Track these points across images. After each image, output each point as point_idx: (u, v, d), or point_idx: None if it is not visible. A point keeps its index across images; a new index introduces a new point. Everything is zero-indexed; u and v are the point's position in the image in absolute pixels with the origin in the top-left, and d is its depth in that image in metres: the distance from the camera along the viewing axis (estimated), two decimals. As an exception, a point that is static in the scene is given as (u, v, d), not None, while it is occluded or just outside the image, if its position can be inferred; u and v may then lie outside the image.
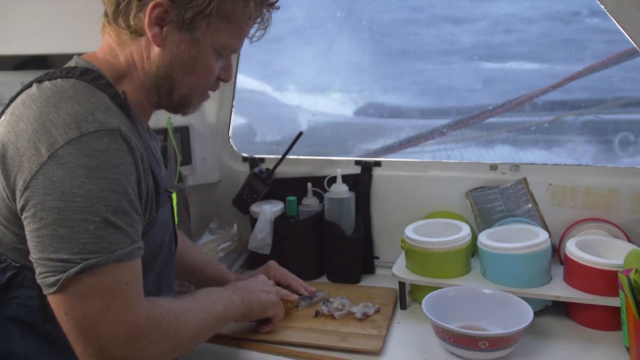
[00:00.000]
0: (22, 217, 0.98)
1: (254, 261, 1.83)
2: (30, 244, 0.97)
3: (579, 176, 1.63)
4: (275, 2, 1.22)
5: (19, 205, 0.98)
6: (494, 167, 1.72)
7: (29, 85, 1.08)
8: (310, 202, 1.85)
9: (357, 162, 1.89)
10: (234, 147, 2.06)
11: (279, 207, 1.87)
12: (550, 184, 1.65)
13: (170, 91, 1.19)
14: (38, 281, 0.97)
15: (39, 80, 1.07)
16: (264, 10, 1.20)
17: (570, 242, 1.48)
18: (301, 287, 1.63)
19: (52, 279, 0.95)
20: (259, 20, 1.21)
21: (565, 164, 1.68)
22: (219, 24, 1.14)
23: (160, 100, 1.22)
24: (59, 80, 1.06)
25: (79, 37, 1.69)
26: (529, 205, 1.66)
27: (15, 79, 1.71)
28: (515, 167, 1.70)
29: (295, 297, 1.56)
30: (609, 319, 1.39)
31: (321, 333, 1.44)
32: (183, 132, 1.90)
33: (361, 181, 1.86)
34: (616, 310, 1.35)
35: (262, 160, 2.02)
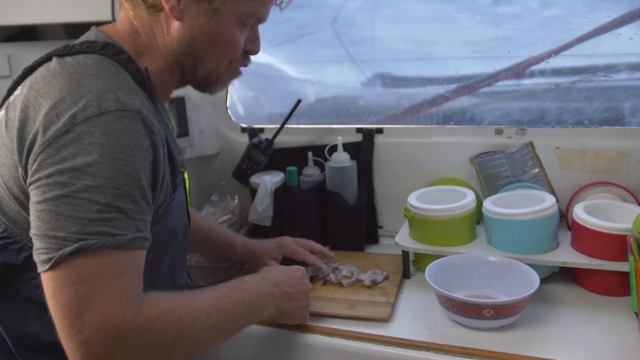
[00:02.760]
0: (29, 190, 0.94)
1: (256, 233, 1.80)
2: (31, 218, 0.92)
3: (587, 138, 1.58)
4: None
5: (29, 180, 0.94)
6: (499, 131, 1.67)
7: (48, 59, 1.03)
8: (311, 172, 1.81)
9: (359, 130, 1.84)
10: (232, 118, 2.01)
11: (280, 177, 1.83)
12: (557, 147, 1.60)
13: (195, 67, 1.14)
14: (34, 257, 0.92)
15: (59, 55, 1.02)
16: None
17: (578, 207, 1.44)
18: (318, 261, 1.56)
19: (45, 257, 0.89)
20: None
21: (572, 127, 1.63)
22: None
23: (184, 77, 1.17)
24: (81, 56, 1.01)
25: (68, 5, 1.65)
26: (536, 170, 1.61)
27: (2, 52, 1.67)
28: (521, 130, 1.65)
29: (324, 267, 1.53)
30: (617, 285, 1.36)
31: (329, 301, 1.42)
32: (179, 103, 1.85)
33: (363, 149, 1.81)
34: (625, 276, 1.31)
35: (261, 130, 1.98)
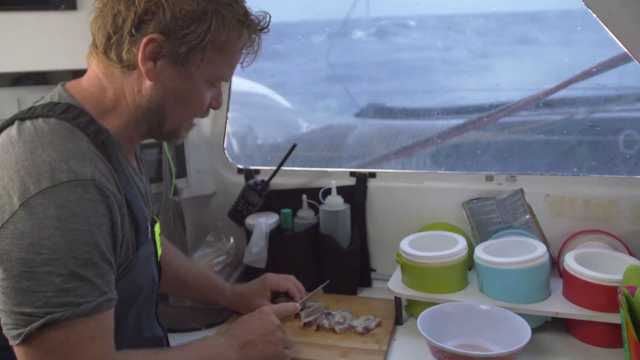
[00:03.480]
0: None
1: (250, 275, 1.81)
2: None
3: (576, 186, 1.60)
4: (266, 26, 1.18)
5: None
6: (489, 177, 1.70)
7: (11, 123, 1.05)
8: (305, 215, 1.82)
9: (352, 174, 1.86)
10: (229, 159, 2.03)
11: (274, 219, 1.84)
12: (547, 195, 1.62)
13: (161, 123, 1.16)
14: (4, 332, 0.94)
15: (22, 118, 1.04)
16: (254, 36, 1.17)
17: (569, 256, 1.45)
18: (298, 295, 1.60)
19: (15, 332, 0.92)
20: (248, 47, 1.18)
21: (562, 174, 1.65)
22: (212, 55, 1.11)
23: (149, 131, 1.18)
24: (40, 120, 1.02)
25: (76, 53, 1.67)
26: (527, 217, 1.63)
27: (12, 95, 1.70)
28: (511, 177, 1.67)
29: (299, 307, 1.50)
30: (610, 336, 1.37)
31: (322, 348, 1.43)
32: (177, 145, 1.88)
33: (356, 193, 1.83)
34: (618, 327, 1.32)
35: (257, 171, 1.99)
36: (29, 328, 0.90)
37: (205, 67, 1.11)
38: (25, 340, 0.91)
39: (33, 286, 0.91)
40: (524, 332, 1.29)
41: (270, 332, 1.31)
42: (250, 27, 1.15)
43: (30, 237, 0.91)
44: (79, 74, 1.74)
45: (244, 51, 1.18)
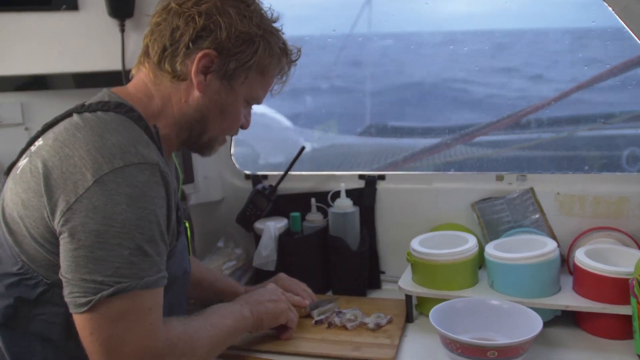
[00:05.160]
0: (60, 236, 1.01)
1: (259, 278, 1.80)
2: (65, 263, 1.00)
3: (587, 184, 1.61)
4: (297, 59, 1.32)
5: (58, 225, 1.01)
6: (500, 177, 1.70)
7: (69, 115, 1.12)
8: (314, 218, 1.83)
9: (361, 177, 1.87)
10: (236, 165, 2.04)
11: (283, 223, 1.85)
12: (557, 193, 1.62)
13: (202, 133, 1.26)
14: (66, 300, 1.00)
15: (78, 111, 1.11)
16: (287, 66, 1.30)
17: (580, 251, 1.45)
18: (309, 298, 1.62)
19: (84, 300, 0.98)
20: (280, 75, 1.31)
21: (572, 173, 1.65)
22: (254, 76, 1.24)
23: (189, 139, 1.28)
24: (99, 112, 1.10)
25: (78, 56, 1.70)
26: (537, 216, 1.63)
27: (15, 100, 1.72)
28: (522, 177, 1.68)
29: (307, 302, 1.56)
30: (620, 328, 1.36)
31: (334, 343, 1.43)
32: (184, 151, 1.89)
33: (365, 195, 1.84)
34: (627, 319, 1.32)
35: (265, 177, 2.00)
36: (99, 295, 0.97)
37: (246, 86, 1.24)
38: (93, 308, 0.98)
39: (105, 256, 0.98)
40: (535, 323, 1.28)
41: (277, 298, 1.44)
42: (287, 57, 1.29)
43: (103, 211, 0.99)
44: (79, 77, 1.77)
45: (277, 78, 1.31)
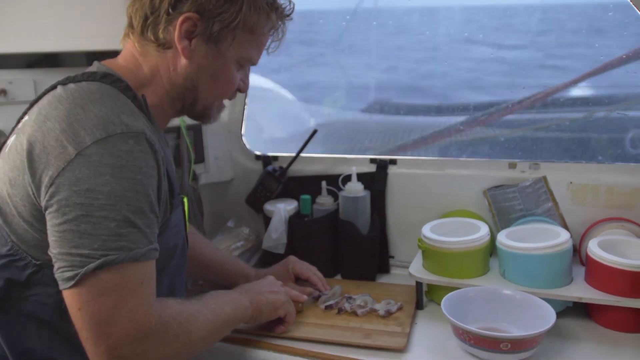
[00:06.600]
0: (46, 212, 0.99)
1: (268, 260, 1.81)
2: (51, 238, 0.98)
3: (601, 174, 1.59)
4: (290, 13, 1.27)
5: (43, 201, 0.99)
6: (512, 165, 1.69)
7: (54, 87, 1.10)
8: (324, 201, 1.82)
9: (372, 160, 1.86)
10: (247, 145, 2.03)
11: (293, 205, 1.84)
12: (571, 183, 1.61)
13: (195, 101, 1.23)
14: (56, 275, 0.98)
15: (63, 83, 1.09)
16: (280, 22, 1.25)
17: (592, 242, 1.45)
18: (319, 282, 1.62)
19: (70, 273, 0.96)
20: (273, 32, 1.26)
21: (586, 162, 1.64)
22: (243, 36, 1.19)
23: (183, 108, 1.26)
24: (84, 83, 1.08)
25: (91, 34, 1.68)
26: (549, 204, 1.63)
27: (27, 77, 1.70)
28: (535, 165, 1.66)
29: (304, 298, 1.53)
30: (632, 321, 1.37)
31: (345, 330, 1.43)
32: (196, 130, 1.88)
33: (376, 179, 1.83)
34: (640, 312, 1.32)
35: (275, 158, 1.99)
36: (85, 269, 0.95)
37: (235, 47, 1.19)
38: (80, 282, 0.96)
39: (90, 229, 0.96)
40: (548, 316, 1.28)
41: (275, 289, 1.41)
42: (277, 12, 1.23)
43: (87, 183, 0.97)
44: (92, 55, 1.75)
45: (270, 36, 1.26)
